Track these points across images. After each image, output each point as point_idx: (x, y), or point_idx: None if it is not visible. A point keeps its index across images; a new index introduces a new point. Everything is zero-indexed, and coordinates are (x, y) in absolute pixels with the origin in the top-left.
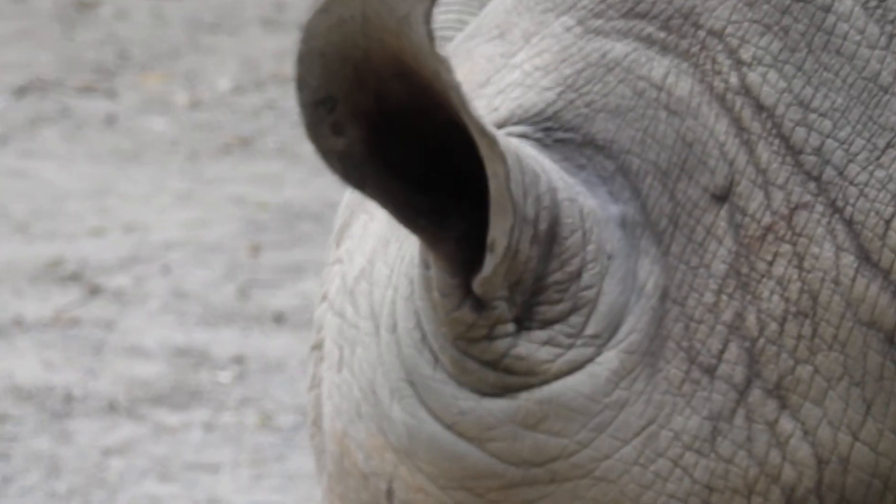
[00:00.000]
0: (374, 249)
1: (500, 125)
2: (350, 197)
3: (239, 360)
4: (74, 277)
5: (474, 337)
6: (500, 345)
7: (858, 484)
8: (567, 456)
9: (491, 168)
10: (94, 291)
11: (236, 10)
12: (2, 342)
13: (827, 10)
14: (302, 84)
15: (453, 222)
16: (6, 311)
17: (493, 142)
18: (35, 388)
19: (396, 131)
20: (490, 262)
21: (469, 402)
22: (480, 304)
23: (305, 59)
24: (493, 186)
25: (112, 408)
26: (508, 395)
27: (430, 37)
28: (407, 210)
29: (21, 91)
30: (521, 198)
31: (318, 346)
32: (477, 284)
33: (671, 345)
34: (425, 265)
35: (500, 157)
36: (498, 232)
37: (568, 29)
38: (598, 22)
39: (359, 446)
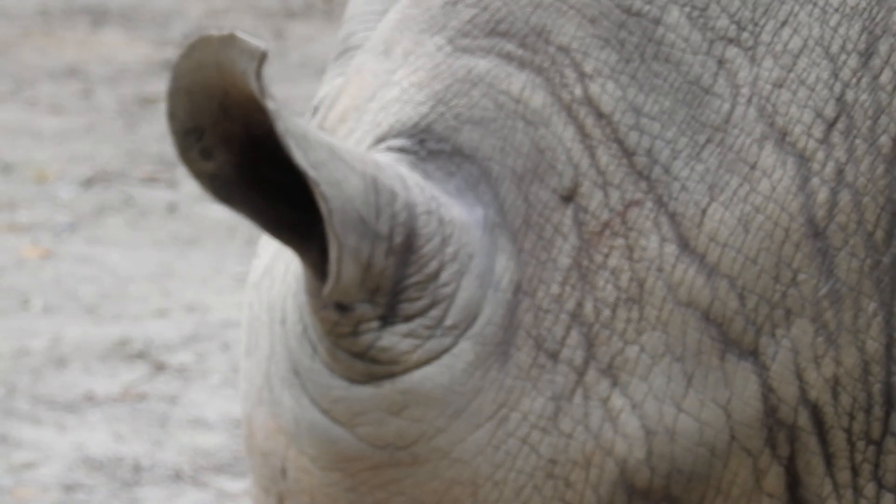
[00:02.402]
0: (278, 248)
1: (382, 138)
2: None
3: None
4: (140, 355)
5: (341, 333)
6: (365, 339)
7: (686, 453)
8: (427, 440)
9: (320, 205)
10: (159, 368)
11: (289, 104)
12: (74, 416)
13: (657, 22)
14: (172, 116)
15: (317, 234)
16: (78, 388)
17: (314, 182)
18: (106, 458)
19: (266, 154)
20: (328, 280)
21: (341, 391)
22: (343, 306)
23: (174, 95)
24: (325, 221)
25: (178, 476)
26: (374, 383)
27: (262, 92)
28: (274, 224)
29: (88, 182)
30: (374, 217)
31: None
32: (324, 294)
33: (522, 333)
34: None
35: (322, 196)
36: (331, 255)
37: (439, 48)
38: (466, 41)
39: (260, 427)
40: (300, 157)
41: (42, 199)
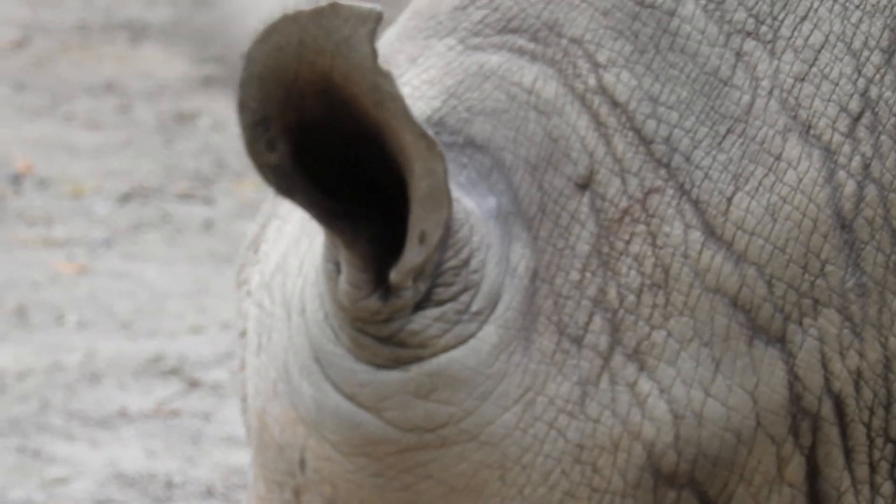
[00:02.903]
0: (288, 246)
1: None
2: (263, 211)
3: None
4: (175, 372)
5: (376, 320)
6: (395, 325)
7: (713, 437)
8: (455, 422)
9: (428, 167)
10: (193, 385)
11: None
12: (107, 432)
13: (671, 13)
14: (243, 107)
15: (364, 225)
16: (112, 404)
17: (433, 143)
18: (138, 474)
19: (313, 145)
20: (422, 253)
21: (366, 375)
22: (387, 294)
23: (246, 84)
24: (429, 183)
25: (210, 493)
26: (401, 367)
27: (374, 54)
28: (327, 214)
29: (125, 197)
30: None
31: (244, 334)
32: (400, 274)
33: (542, 319)
34: (331, 260)
35: (440, 156)
36: (431, 224)
37: (450, 48)
38: (477, 39)
39: (275, 421)
40: (414, 118)
41: (78, 215)
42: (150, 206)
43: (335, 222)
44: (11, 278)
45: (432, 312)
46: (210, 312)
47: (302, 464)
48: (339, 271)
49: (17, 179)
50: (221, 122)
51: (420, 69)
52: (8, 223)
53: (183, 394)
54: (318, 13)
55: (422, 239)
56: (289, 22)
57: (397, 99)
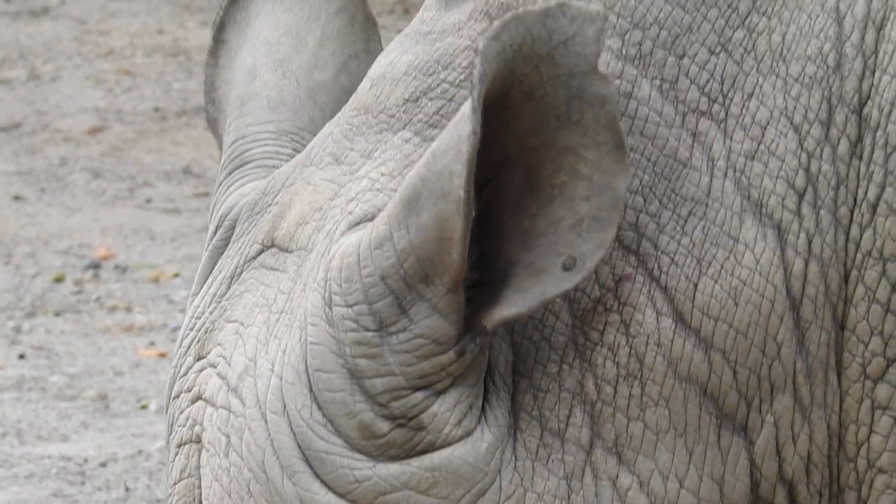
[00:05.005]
0: (256, 349)
1: (357, 223)
2: (198, 317)
3: None
4: None
5: (427, 383)
6: (427, 402)
7: None
8: None
9: (605, 183)
10: None
11: None
12: None
13: (629, 96)
14: (475, 108)
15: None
16: None
17: (624, 156)
18: None
19: None
20: (568, 280)
21: (364, 471)
22: (463, 350)
23: (483, 80)
24: (597, 203)
25: None
26: (402, 460)
27: (598, 55)
28: (466, 246)
29: None
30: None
31: (190, 441)
32: (530, 309)
33: (524, 415)
34: (373, 328)
35: (626, 171)
36: (589, 247)
37: (407, 140)
38: (435, 131)
39: None
40: (619, 130)
41: (158, 300)
42: None
43: (466, 255)
44: (93, 365)
45: (456, 393)
46: None
47: None
48: (386, 337)
49: (96, 266)
50: None
51: (377, 162)
52: (88, 310)
53: None
54: (545, 12)
55: (568, 265)
56: (518, 20)
57: (609, 102)
